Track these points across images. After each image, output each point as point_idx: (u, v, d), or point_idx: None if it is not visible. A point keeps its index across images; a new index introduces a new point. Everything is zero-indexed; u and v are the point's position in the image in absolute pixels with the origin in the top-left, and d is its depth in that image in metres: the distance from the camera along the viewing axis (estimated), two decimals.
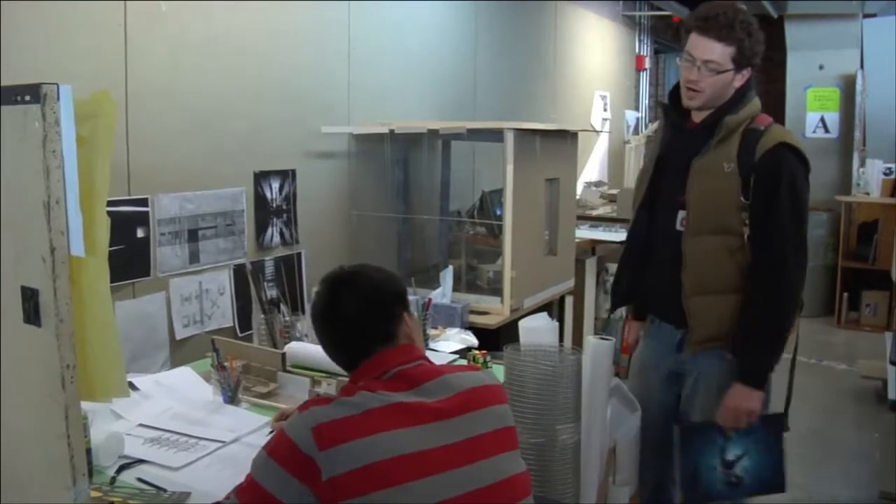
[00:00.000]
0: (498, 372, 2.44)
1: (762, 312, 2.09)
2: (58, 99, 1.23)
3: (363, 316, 1.49)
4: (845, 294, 6.67)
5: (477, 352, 2.57)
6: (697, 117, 2.19)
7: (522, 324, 2.30)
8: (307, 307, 2.91)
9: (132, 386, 2.12)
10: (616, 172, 6.81)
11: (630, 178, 6.74)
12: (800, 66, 7.48)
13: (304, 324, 2.67)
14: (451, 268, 3.25)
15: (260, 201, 2.90)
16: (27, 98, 1.23)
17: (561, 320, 3.73)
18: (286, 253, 3.04)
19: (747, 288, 2.12)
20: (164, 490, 1.66)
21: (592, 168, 6.34)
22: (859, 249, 6.73)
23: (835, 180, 7.23)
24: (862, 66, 7.14)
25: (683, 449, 2.19)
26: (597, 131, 6.28)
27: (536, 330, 2.27)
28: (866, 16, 7.10)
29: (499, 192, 3.38)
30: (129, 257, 2.39)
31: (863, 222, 6.82)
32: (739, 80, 2.12)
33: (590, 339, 2.31)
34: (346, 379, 1.52)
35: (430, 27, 4.02)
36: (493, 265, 3.47)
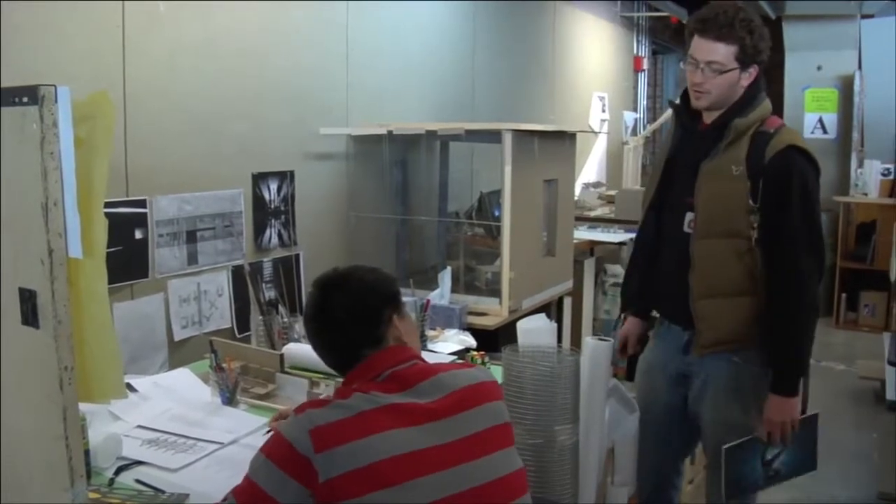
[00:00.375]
0: (496, 373, 2.44)
1: (784, 321, 2.09)
2: (55, 100, 1.23)
3: (351, 319, 1.50)
4: (843, 294, 6.68)
5: (475, 353, 2.57)
6: (708, 119, 2.18)
7: (521, 325, 2.30)
8: None
9: (130, 387, 2.12)
10: (614, 173, 6.82)
11: (628, 180, 6.75)
12: (798, 67, 7.49)
13: (303, 325, 2.66)
14: (449, 269, 3.25)
15: (258, 203, 2.90)
16: (25, 100, 1.23)
17: (559, 321, 3.73)
18: (284, 254, 3.04)
19: (755, 291, 2.12)
20: (163, 491, 1.66)
21: (591, 169, 6.34)
22: (857, 250, 6.74)
23: (833, 181, 7.24)
24: (860, 67, 7.15)
25: (729, 468, 2.20)
26: (595, 132, 6.28)
27: (535, 331, 2.27)
28: (864, 17, 7.11)
29: (497, 194, 3.38)
30: (128, 259, 2.39)
31: (861, 223, 6.83)
32: (747, 79, 2.12)
33: (588, 340, 2.31)
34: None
35: (428, 28, 4.02)
36: (492, 266, 3.47)
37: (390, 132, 3.26)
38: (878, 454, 3.86)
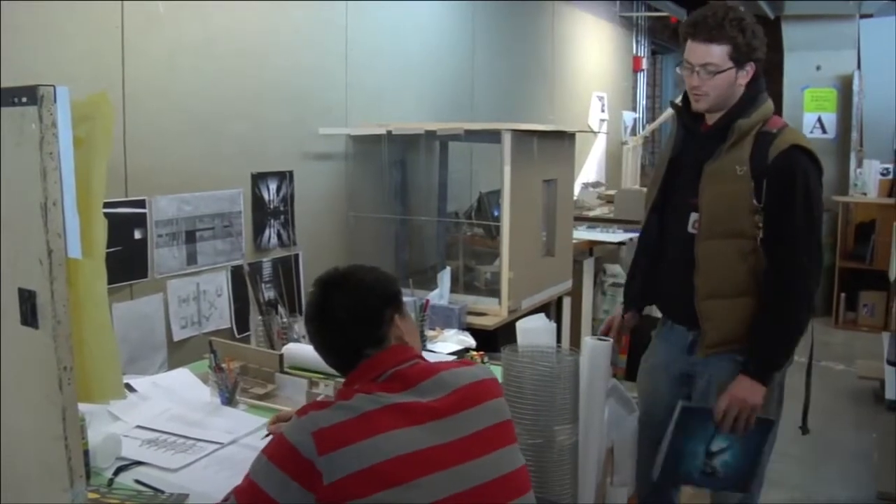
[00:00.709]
0: (496, 373, 2.44)
1: (775, 313, 2.09)
2: (54, 101, 1.23)
3: (352, 319, 1.50)
4: (843, 294, 6.68)
5: (475, 353, 2.57)
6: (710, 119, 2.19)
7: (520, 325, 2.30)
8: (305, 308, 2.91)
9: (129, 387, 2.12)
10: (613, 173, 6.82)
11: (628, 179, 6.75)
12: (797, 67, 7.49)
13: (302, 325, 2.66)
14: (448, 269, 3.25)
15: (257, 203, 2.90)
16: (24, 100, 1.23)
17: (558, 321, 3.73)
18: (284, 254, 3.04)
19: (760, 291, 2.12)
20: (162, 492, 1.66)
21: (590, 169, 6.34)
22: (857, 250, 6.74)
23: (832, 181, 7.24)
24: (859, 67, 7.15)
25: (679, 427, 2.18)
26: (594, 132, 6.28)
27: (534, 331, 2.27)
28: (863, 16, 7.11)
29: (496, 194, 3.38)
30: (127, 259, 2.39)
31: (860, 223, 6.84)
32: (744, 77, 2.12)
33: (587, 340, 2.32)
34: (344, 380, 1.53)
35: (427, 28, 4.02)
36: (491, 266, 3.47)
37: (389, 132, 3.26)
38: (877, 454, 3.86)
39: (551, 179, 3.56)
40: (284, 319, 2.66)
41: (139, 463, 1.79)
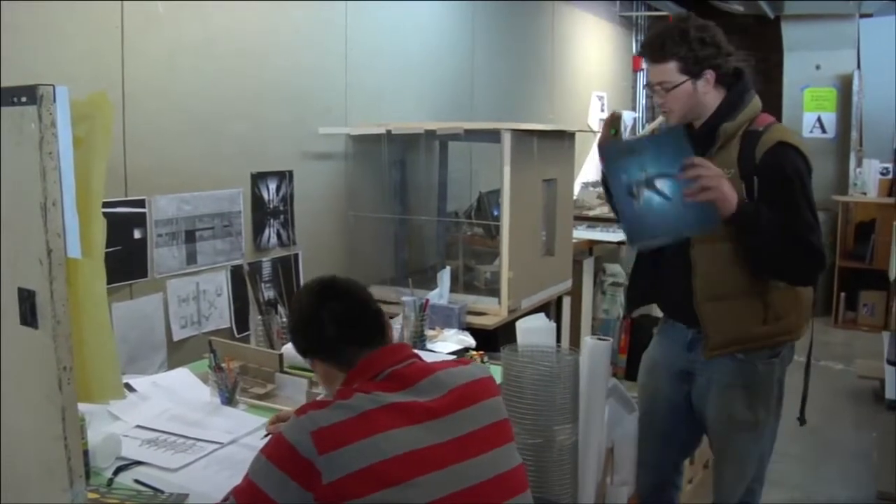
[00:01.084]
0: (495, 373, 2.44)
1: (788, 234, 2.03)
2: (54, 100, 1.23)
3: (349, 322, 1.53)
4: (842, 294, 6.69)
5: (474, 352, 2.57)
6: (696, 125, 2.20)
7: (520, 324, 2.30)
8: None
9: (129, 387, 2.12)
10: None
11: None
12: (796, 67, 7.49)
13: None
14: (448, 268, 3.24)
15: (257, 202, 2.90)
16: (23, 99, 1.23)
17: (558, 321, 3.73)
18: (283, 254, 3.04)
19: (759, 291, 2.11)
20: (162, 492, 1.65)
21: (590, 168, 6.34)
22: (856, 249, 6.75)
23: (832, 180, 7.25)
24: (859, 67, 7.16)
25: (647, 139, 2.17)
26: (594, 132, 6.26)
27: (534, 330, 2.28)
28: (863, 16, 7.11)
29: (496, 193, 3.38)
30: (127, 258, 2.39)
31: (860, 222, 6.84)
32: (704, 86, 2.12)
33: (587, 340, 2.32)
34: None
35: (427, 28, 4.02)
36: (491, 266, 3.47)
37: (389, 132, 3.26)
38: (877, 454, 3.86)
39: (551, 179, 3.55)
40: (284, 319, 2.66)
41: (139, 463, 1.79)
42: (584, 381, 2.22)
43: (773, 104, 7.45)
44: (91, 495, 1.57)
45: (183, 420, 2.04)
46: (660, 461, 2.43)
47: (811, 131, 7.43)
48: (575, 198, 4.77)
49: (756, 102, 2.16)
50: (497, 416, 1.49)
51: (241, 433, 1.96)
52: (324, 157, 3.27)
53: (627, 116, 7.33)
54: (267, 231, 2.96)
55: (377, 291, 3.28)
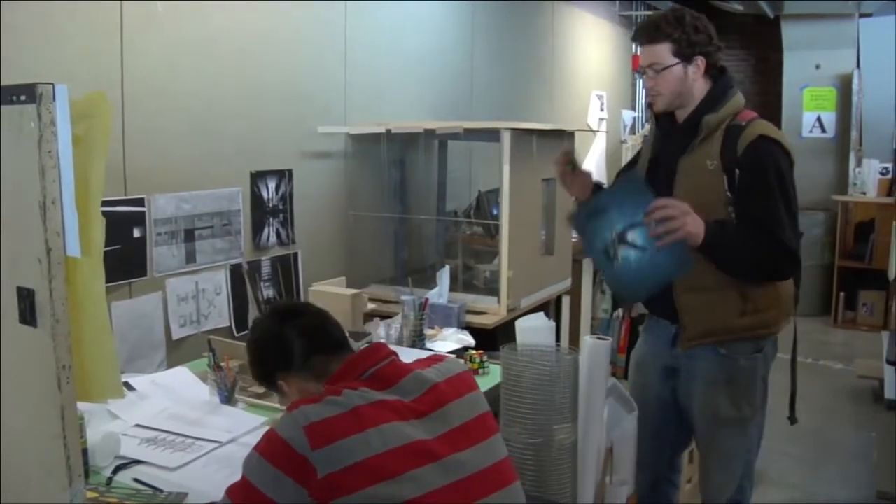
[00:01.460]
0: (495, 372, 2.45)
1: (757, 259, 2.07)
2: (53, 99, 1.23)
3: (315, 332, 1.59)
4: (842, 293, 6.69)
5: (474, 352, 2.57)
6: (680, 117, 2.22)
7: (519, 324, 2.30)
8: None
9: (128, 386, 2.12)
10: (613, 172, 6.79)
11: None
12: (796, 66, 7.49)
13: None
14: (447, 268, 3.25)
15: (256, 201, 2.90)
16: (23, 98, 1.23)
17: (558, 320, 3.73)
18: (283, 253, 3.04)
19: (738, 283, 2.12)
20: (161, 490, 1.66)
21: (589, 167, 6.32)
22: (856, 249, 6.75)
23: (831, 180, 7.25)
24: (858, 66, 7.16)
25: (614, 190, 2.23)
26: (593, 131, 6.28)
27: (533, 330, 2.27)
28: (862, 15, 7.12)
29: (495, 192, 3.38)
30: (126, 257, 2.39)
31: (859, 222, 6.84)
32: (695, 71, 2.15)
33: (587, 339, 2.31)
34: None
35: (426, 27, 4.02)
36: (490, 265, 3.47)
37: (389, 131, 3.26)
38: (877, 453, 3.86)
39: (550, 178, 3.55)
40: None
41: (138, 462, 1.79)
42: (583, 381, 2.22)
43: (773, 104, 7.45)
44: (90, 494, 1.57)
45: (182, 419, 2.04)
46: (654, 457, 2.44)
47: (811, 131, 7.43)
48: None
49: (739, 98, 2.19)
50: (480, 408, 1.51)
51: (240, 432, 1.96)
52: (323, 157, 3.27)
53: (627, 116, 7.33)
54: (266, 230, 2.96)
55: (376, 290, 3.29)
